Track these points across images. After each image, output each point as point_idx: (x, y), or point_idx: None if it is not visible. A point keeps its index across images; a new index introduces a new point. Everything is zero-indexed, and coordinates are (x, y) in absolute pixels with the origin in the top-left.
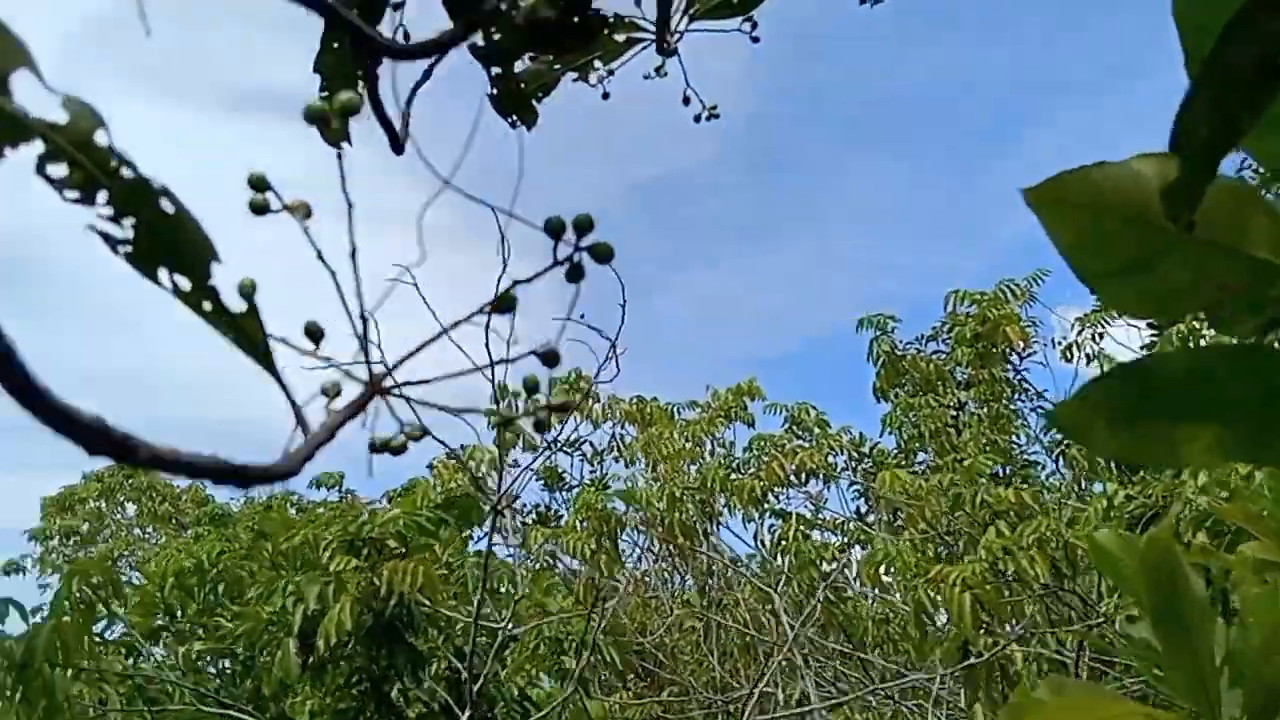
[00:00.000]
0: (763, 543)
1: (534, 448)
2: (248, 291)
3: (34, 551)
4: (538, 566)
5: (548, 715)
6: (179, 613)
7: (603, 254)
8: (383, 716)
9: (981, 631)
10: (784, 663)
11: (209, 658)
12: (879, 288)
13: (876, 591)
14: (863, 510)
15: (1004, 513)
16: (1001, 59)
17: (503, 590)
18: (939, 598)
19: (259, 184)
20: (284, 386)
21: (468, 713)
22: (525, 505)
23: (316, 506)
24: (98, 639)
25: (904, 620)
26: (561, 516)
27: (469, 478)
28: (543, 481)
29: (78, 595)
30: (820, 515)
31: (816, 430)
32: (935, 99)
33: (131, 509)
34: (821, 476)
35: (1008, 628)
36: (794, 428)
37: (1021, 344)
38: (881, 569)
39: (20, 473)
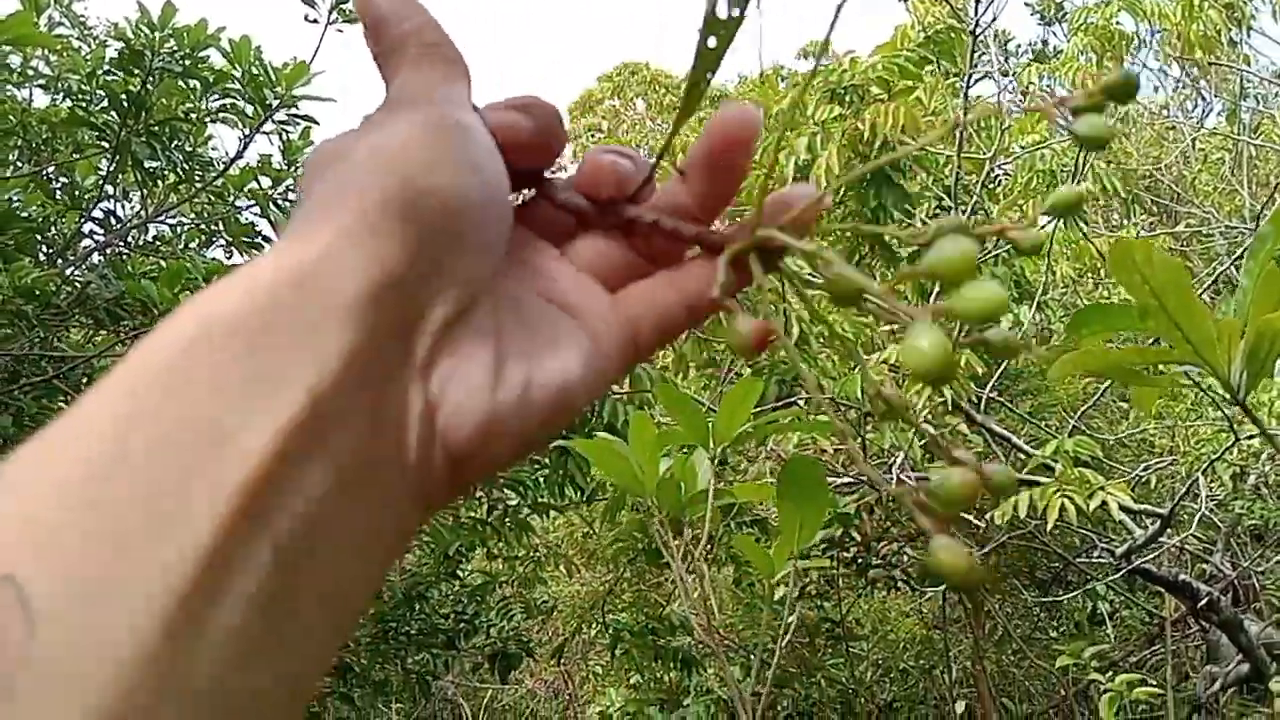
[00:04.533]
0: None
1: None
2: None
3: (569, 151)
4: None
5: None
6: None
7: None
8: (877, 256)
9: None
10: None
11: (722, 219)
12: None
13: None
14: None
15: None
16: None
17: (990, 125)
18: None
19: None
20: None
21: None
22: (1019, 45)
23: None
24: None
25: None
26: (1061, 53)
27: (948, 7)
28: (1039, 15)
29: None
30: None
31: None
32: None
33: (641, 104)
34: None
35: None
36: None
37: None
38: None
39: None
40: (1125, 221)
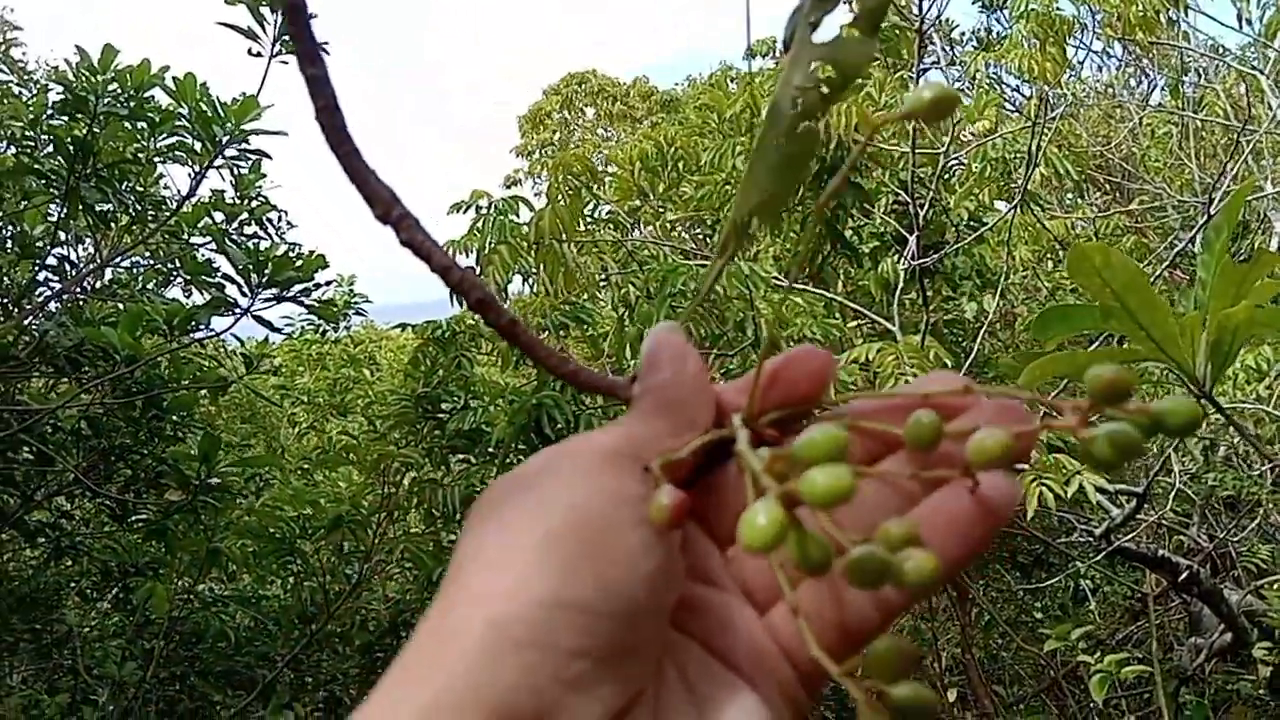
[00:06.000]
0: (1248, 21)
1: None
2: None
3: (524, 165)
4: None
5: (997, 229)
6: (649, 192)
7: None
8: (839, 254)
9: None
10: (1274, 144)
11: (683, 224)
12: None
13: None
14: None
15: None
16: None
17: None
18: None
19: None
20: None
21: (915, 235)
22: (963, 34)
23: (754, 76)
24: (588, 218)
25: None
26: (1005, 39)
27: (892, 5)
28: (980, 4)
29: (564, 184)
30: None
31: None
32: None
33: (590, 113)
34: None
35: None
36: None
37: None
38: None
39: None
40: (1079, 201)
